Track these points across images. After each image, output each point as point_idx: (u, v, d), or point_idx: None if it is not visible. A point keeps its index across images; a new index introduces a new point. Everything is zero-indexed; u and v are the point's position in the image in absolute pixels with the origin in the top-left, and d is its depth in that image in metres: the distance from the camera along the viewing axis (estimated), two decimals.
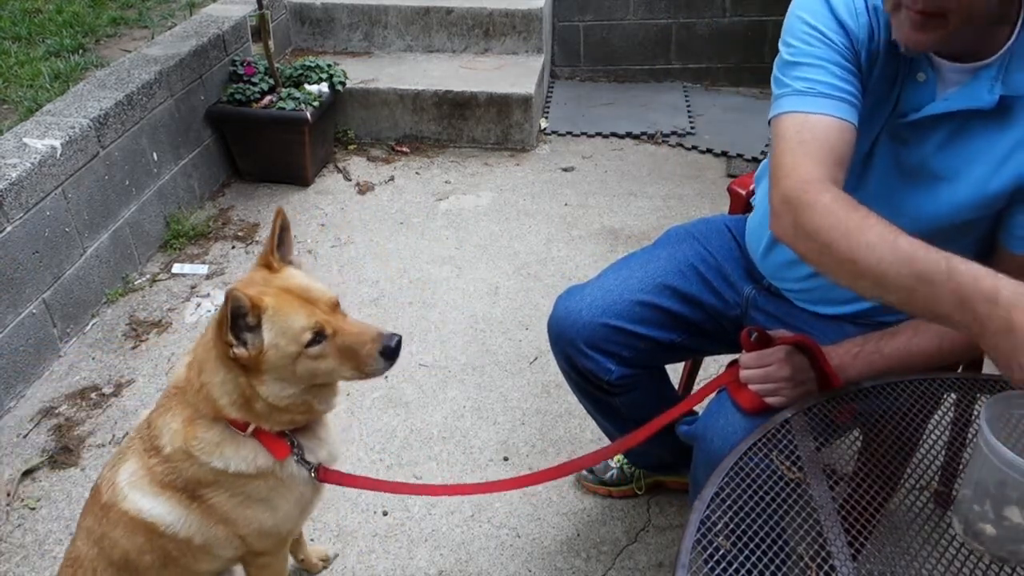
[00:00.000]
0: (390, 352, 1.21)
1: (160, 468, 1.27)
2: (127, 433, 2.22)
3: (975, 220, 1.22)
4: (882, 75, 1.22)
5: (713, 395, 1.38)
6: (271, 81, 3.44)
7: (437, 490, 1.58)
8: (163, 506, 1.28)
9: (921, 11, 1.04)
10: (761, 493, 1.06)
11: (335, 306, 1.24)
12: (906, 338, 1.24)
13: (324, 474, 1.35)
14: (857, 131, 1.16)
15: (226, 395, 1.21)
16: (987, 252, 1.25)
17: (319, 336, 1.18)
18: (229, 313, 1.13)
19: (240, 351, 1.16)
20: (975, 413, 1.18)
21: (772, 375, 1.25)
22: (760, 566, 0.96)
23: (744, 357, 1.30)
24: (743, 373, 1.29)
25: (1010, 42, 1.10)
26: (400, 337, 1.22)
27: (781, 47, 1.25)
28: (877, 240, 1.00)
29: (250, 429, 1.25)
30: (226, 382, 1.21)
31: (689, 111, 4.24)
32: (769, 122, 1.23)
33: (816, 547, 0.99)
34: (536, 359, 2.52)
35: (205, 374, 1.22)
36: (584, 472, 2.05)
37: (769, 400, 1.25)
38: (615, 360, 1.56)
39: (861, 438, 1.23)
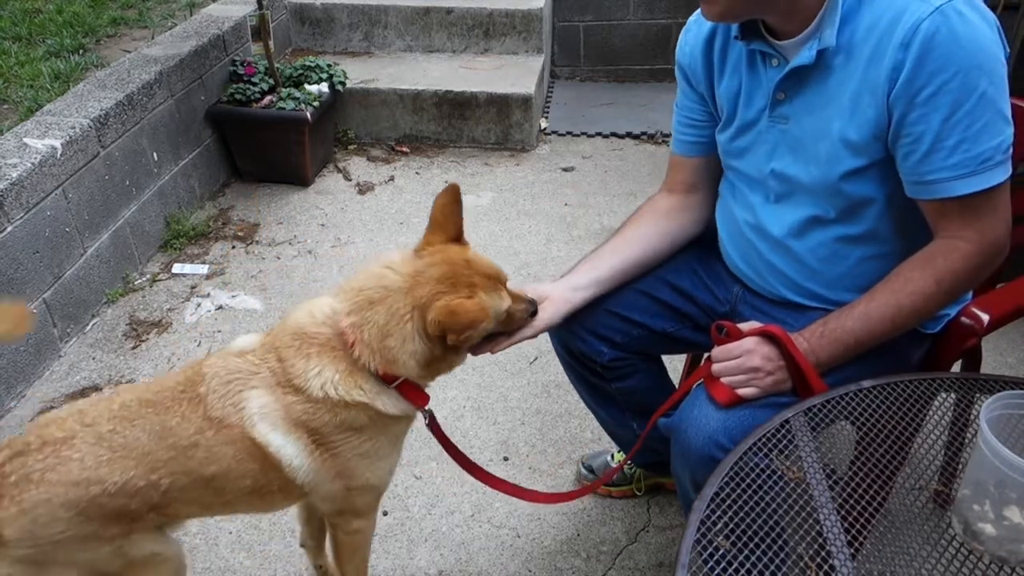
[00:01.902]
0: (535, 312, 1.45)
1: (300, 408, 1.30)
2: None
3: (858, 172, 1.29)
4: (749, 80, 1.39)
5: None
6: (271, 81, 3.44)
7: (506, 487, 1.62)
8: (293, 446, 1.31)
9: None
10: (761, 493, 1.06)
11: (506, 280, 1.40)
12: (863, 306, 1.28)
13: (433, 422, 1.54)
14: (701, 157, 1.57)
15: (414, 359, 1.31)
16: (918, 222, 1.30)
17: (506, 313, 1.37)
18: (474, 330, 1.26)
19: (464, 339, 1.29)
20: (975, 413, 1.18)
21: (741, 366, 1.27)
22: (760, 566, 0.96)
23: (714, 351, 1.32)
24: (714, 367, 1.31)
25: (823, 8, 1.25)
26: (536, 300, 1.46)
27: None
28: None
29: (396, 383, 1.33)
30: (419, 352, 1.30)
31: None
32: None
33: (816, 547, 0.99)
34: (536, 359, 2.52)
35: (392, 339, 1.28)
36: (584, 472, 2.05)
37: (741, 392, 1.26)
38: (607, 343, 1.62)
39: (859, 438, 1.23)
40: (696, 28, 1.48)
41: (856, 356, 1.29)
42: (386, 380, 1.32)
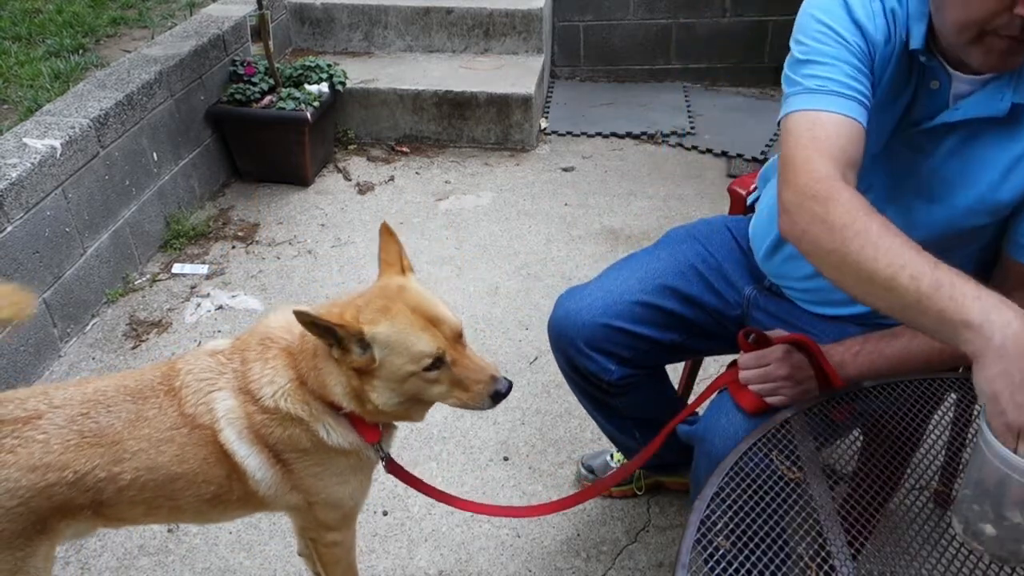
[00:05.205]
0: (499, 396, 1.26)
1: (259, 418, 1.26)
2: None
3: (982, 227, 1.23)
4: (894, 80, 1.22)
5: (714, 395, 1.39)
6: (271, 81, 3.44)
7: (487, 509, 1.58)
8: (256, 459, 1.28)
9: (1018, 37, 1.04)
10: (761, 493, 1.06)
11: (459, 335, 1.27)
12: (906, 339, 1.25)
13: (391, 466, 1.40)
14: (866, 132, 1.16)
15: (339, 386, 1.24)
16: (991, 260, 1.27)
17: (438, 362, 1.22)
18: (326, 329, 1.17)
19: (351, 358, 1.20)
20: (975, 413, 1.18)
21: (771, 375, 1.26)
22: (760, 566, 0.96)
23: (743, 358, 1.31)
24: (742, 374, 1.29)
25: None
26: (511, 383, 1.26)
27: (793, 45, 1.23)
28: (887, 250, 0.98)
29: (344, 411, 1.27)
30: (337, 374, 1.24)
31: (689, 111, 4.24)
32: (779, 122, 1.21)
33: (816, 547, 0.99)
34: (536, 359, 2.52)
35: (319, 359, 1.23)
36: (584, 472, 2.05)
37: (769, 400, 1.25)
38: (615, 360, 1.57)
39: (861, 438, 1.23)
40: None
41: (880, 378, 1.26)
42: (333, 407, 1.27)
